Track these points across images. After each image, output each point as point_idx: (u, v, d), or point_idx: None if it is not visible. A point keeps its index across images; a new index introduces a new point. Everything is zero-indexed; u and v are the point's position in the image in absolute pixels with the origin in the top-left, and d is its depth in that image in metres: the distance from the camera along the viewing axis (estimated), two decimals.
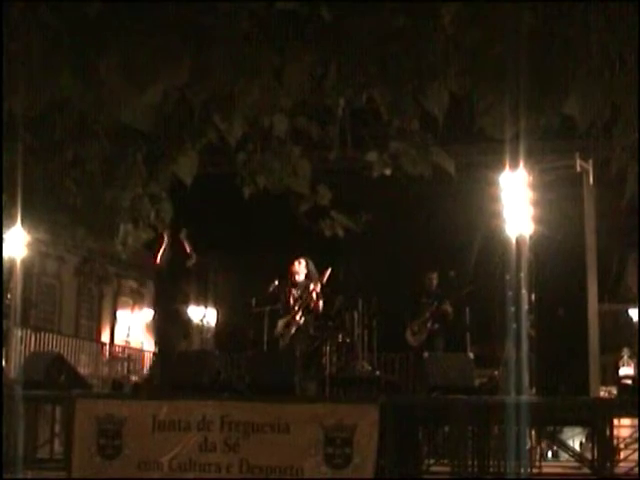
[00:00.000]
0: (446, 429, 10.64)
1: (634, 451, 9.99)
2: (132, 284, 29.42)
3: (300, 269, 12.86)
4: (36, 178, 5.23)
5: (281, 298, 12.98)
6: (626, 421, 11.64)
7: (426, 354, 10.67)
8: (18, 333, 18.62)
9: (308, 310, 12.69)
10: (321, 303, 12.68)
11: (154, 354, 23.43)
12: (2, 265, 12.10)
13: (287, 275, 13.00)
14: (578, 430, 14.10)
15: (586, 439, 13.52)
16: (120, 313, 29.01)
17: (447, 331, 13.05)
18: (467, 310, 12.98)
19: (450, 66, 4.09)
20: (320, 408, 9.57)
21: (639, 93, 3.77)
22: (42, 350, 20.61)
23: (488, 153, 11.43)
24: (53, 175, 5.28)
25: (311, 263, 12.96)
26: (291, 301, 12.78)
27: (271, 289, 13.25)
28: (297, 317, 12.64)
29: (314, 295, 12.62)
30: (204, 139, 5.23)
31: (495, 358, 12.04)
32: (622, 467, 9.60)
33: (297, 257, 13.03)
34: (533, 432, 10.49)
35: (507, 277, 10.88)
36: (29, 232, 13.59)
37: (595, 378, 10.03)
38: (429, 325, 12.97)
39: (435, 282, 13.31)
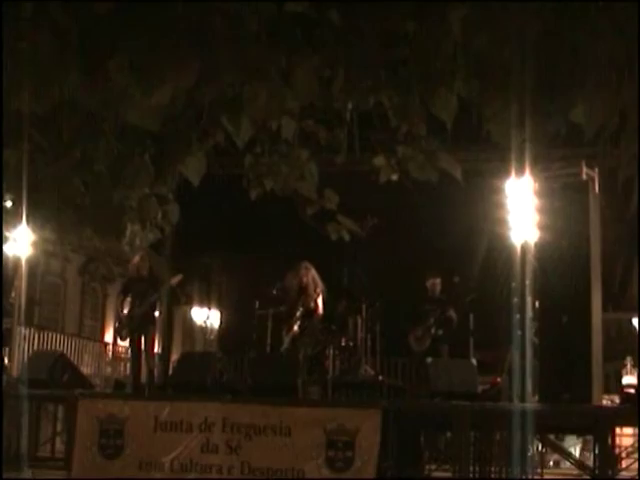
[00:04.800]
0: (448, 435, 10.64)
1: (635, 460, 9.97)
2: None
3: (305, 274, 12.86)
4: (44, 177, 5.24)
5: (285, 301, 12.97)
6: (628, 430, 11.61)
7: (429, 359, 10.66)
8: (22, 332, 18.64)
9: (310, 315, 12.70)
10: (321, 310, 12.72)
11: (157, 355, 23.42)
12: (2, 264, 12.11)
13: (293, 279, 12.98)
14: (580, 438, 14.06)
15: (582, 447, 13.43)
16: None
17: (451, 337, 13.02)
18: (471, 316, 12.96)
19: (458, 71, 4.09)
20: (322, 411, 9.58)
21: None
22: (45, 349, 20.63)
23: (494, 160, 11.43)
24: (61, 174, 5.28)
25: (313, 270, 12.97)
26: (298, 305, 12.78)
27: (274, 292, 13.24)
28: (299, 322, 12.65)
29: (317, 303, 12.68)
30: (212, 140, 5.24)
31: (498, 365, 12.03)
32: (623, 476, 9.59)
33: (301, 262, 13.02)
34: (535, 439, 10.48)
35: (512, 284, 10.88)
36: (34, 231, 13.60)
37: (598, 386, 10.04)
38: (433, 331, 12.93)
39: (439, 288, 13.25)
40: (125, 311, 12.84)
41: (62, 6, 3.99)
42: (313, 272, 12.90)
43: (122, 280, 13.61)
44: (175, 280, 13.19)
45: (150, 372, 12.80)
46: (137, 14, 3.99)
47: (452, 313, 12.78)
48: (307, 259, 13.06)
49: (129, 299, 12.87)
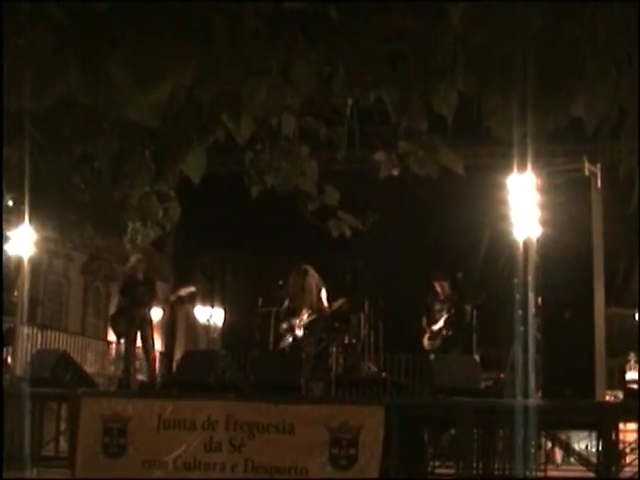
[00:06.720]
0: (451, 431, 10.64)
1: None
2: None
3: (304, 277, 12.88)
4: (44, 175, 5.24)
5: (289, 299, 12.97)
6: (632, 425, 11.60)
7: (432, 356, 10.65)
8: (25, 331, 18.67)
9: (317, 316, 12.71)
10: (327, 310, 12.74)
11: (160, 353, 23.47)
12: (2, 262, 12.13)
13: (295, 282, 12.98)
14: (584, 434, 14.05)
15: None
16: None
17: (462, 336, 12.99)
18: (474, 312, 12.96)
19: (458, 66, 4.08)
20: (325, 409, 9.57)
21: None
22: (49, 348, 20.67)
23: (496, 155, 11.44)
24: (61, 172, 5.28)
25: (312, 271, 12.98)
26: (302, 304, 12.78)
27: (279, 290, 13.26)
28: (306, 323, 12.66)
29: (322, 304, 12.71)
30: (212, 138, 5.23)
31: (501, 361, 12.03)
32: (627, 471, 9.58)
33: (300, 265, 13.03)
34: (539, 435, 10.47)
35: (514, 280, 10.88)
36: (37, 230, 13.63)
37: (601, 382, 10.02)
38: (444, 332, 12.93)
39: (447, 288, 13.26)
40: (120, 313, 12.99)
41: (61, 3, 3.98)
42: (313, 274, 12.90)
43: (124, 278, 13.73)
44: (185, 291, 13.35)
45: (152, 371, 12.92)
46: (136, 11, 3.98)
47: (467, 307, 12.76)
48: (309, 256, 13.08)
49: (124, 302, 13.03)
